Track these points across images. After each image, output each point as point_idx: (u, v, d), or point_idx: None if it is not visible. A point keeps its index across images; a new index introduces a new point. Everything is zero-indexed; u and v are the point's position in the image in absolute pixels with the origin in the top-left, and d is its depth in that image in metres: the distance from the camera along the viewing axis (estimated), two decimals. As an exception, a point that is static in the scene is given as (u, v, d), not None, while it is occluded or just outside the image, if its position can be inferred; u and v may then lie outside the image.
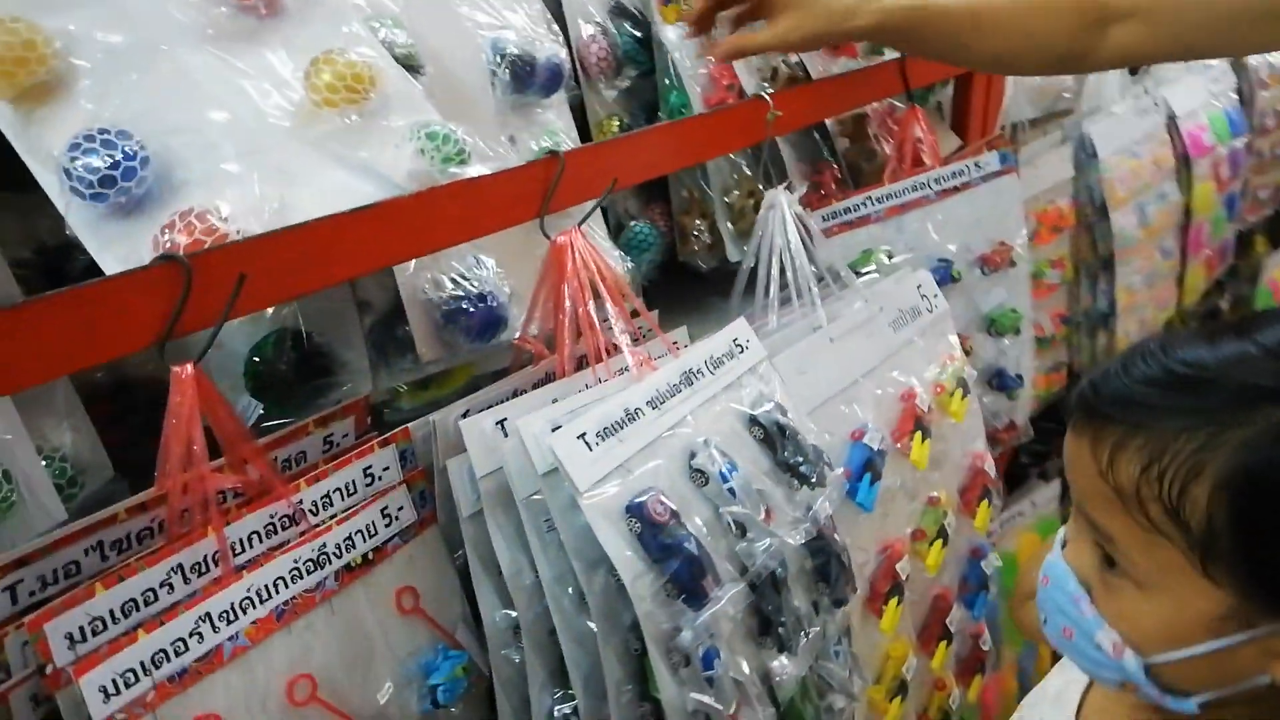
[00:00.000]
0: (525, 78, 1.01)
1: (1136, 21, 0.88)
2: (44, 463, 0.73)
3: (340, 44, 0.78)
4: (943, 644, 1.08)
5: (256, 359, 0.90)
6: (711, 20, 1.00)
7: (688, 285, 1.35)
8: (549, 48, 1.05)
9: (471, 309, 0.85)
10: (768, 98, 0.98)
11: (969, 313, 1.31)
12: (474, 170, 0.75)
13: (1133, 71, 1.89)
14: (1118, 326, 1.78)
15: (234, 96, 0.74)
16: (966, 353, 1.30)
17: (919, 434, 1.02)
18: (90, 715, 0.53)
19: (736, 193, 1.30)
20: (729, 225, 1.30)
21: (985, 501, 1.14)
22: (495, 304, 0.87)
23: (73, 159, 0.66)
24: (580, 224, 0.81)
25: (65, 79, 0.72)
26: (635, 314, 0.86)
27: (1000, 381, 1.36)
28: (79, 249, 0.70)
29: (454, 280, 0.87)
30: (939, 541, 1.05)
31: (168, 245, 0.62)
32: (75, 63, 0.72)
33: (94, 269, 0.74)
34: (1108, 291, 1.76)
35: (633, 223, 1.24)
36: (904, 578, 0.98)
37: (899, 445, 1.01)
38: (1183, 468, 0.51)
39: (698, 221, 1.34)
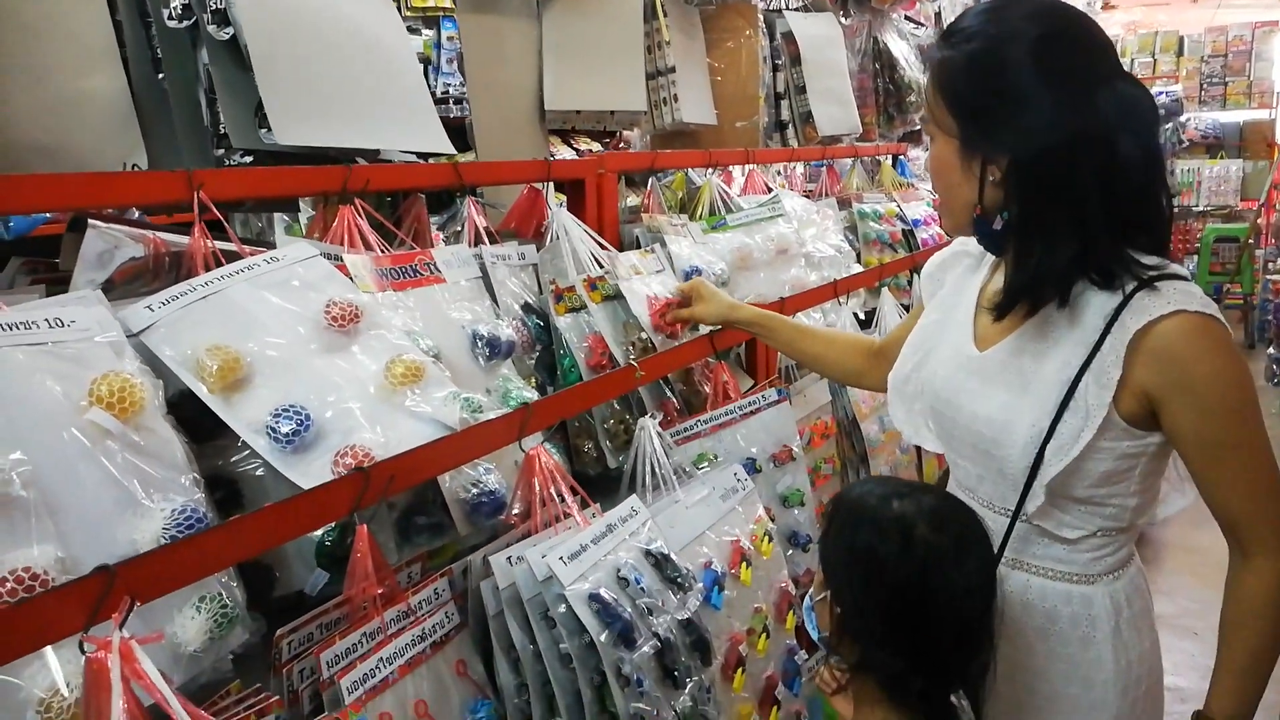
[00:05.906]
0: (495, 351, 1.63)
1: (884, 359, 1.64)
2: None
3: (399, 352, 1.38)
4: (774, 709, 1.64)
5: (328, 543, 1.41)
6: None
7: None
8: (506, 330, 1.67)
9: (486, 500, 1.41)
10: (635, 365, 1.64)
11: (769, 492, 1.97)
12: (487, 415, 1.34)
13: (864, 325, 2.74)
14: (877, 502, 2.49)
15: (347, 382, 1.32)
16: (772, 519, 1.95)
17: (744, 564, 1.63)
18: (343, 700, 1.02)
19: (612, 420, 1.94)
20: (608, 443, 1.93)
21: (791, 612, 1.74)
22: (498, 494, 1.43)
23: (275, 423, 1.20)
24: (540, 443, 1.41)
25: (246, 378, 1.28)
26: (577, 493, 1.45)
27: (796, 540, 2.01)
28: (228, 481, 1.26)
29: (474, 484, 1.43)
30: (764, 635, 1.63)
31: (347, 463, 1.16)
32: (253, 369, 1.28)
33: (232, 497, 1.29)
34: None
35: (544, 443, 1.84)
36: (744, 656, 1.56)
37: (734, 571, 1.61)
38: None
39: (587, 442, 1.96)
